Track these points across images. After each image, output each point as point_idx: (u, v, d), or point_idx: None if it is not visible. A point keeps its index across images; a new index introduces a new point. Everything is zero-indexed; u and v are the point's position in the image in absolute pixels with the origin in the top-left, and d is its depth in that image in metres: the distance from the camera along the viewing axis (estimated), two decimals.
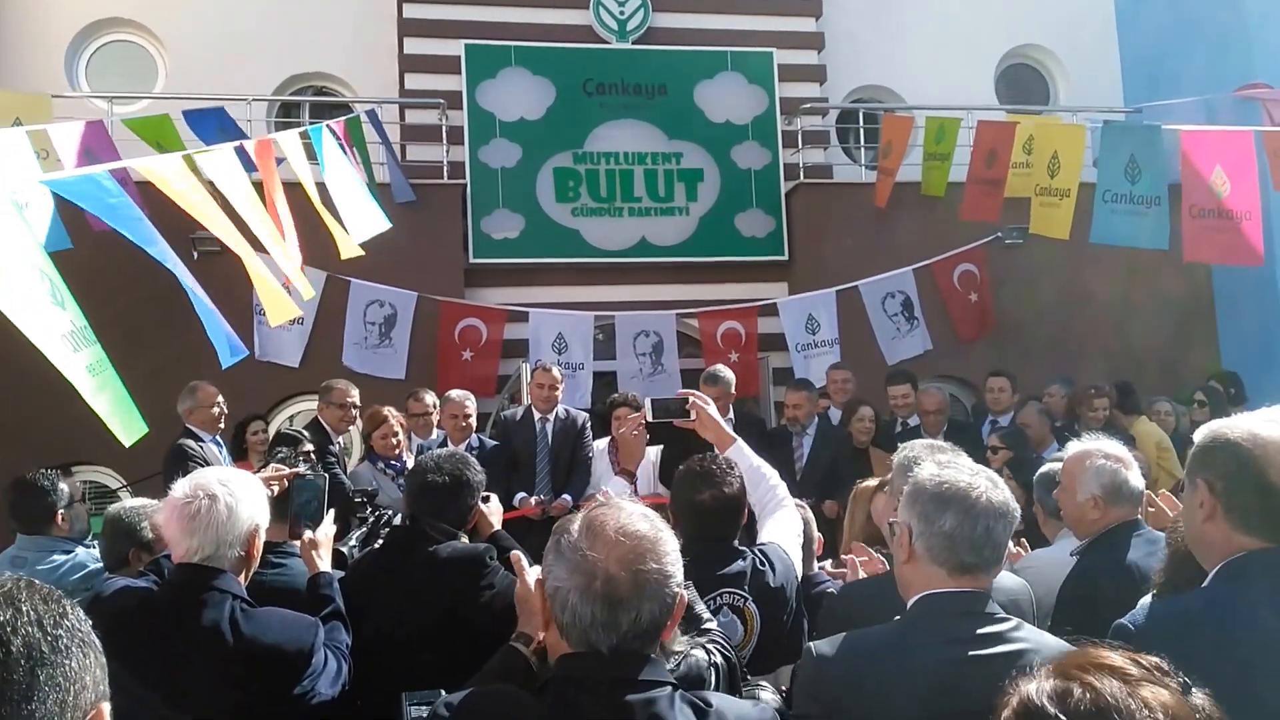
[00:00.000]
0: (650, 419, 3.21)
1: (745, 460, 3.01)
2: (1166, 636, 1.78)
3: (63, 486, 3.80)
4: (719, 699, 1.61)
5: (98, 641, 1.08)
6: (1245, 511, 1.85)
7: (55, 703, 0.99)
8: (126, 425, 3.32)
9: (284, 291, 4.47)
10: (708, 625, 2.20)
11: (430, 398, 6.52)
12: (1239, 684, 1.58)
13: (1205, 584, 1.93)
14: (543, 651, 1.90)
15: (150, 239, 3.51)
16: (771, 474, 3.08)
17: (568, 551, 1.53)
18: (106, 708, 1.06)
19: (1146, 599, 2.11)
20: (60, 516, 3.73)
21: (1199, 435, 1.99)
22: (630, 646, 1.50)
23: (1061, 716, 1.15)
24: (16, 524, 3.75)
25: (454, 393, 6.36)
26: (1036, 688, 1.21)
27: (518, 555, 1.76)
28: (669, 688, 1.52)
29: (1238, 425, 1.91)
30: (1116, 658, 1.22)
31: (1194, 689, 1.20)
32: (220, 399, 6.00)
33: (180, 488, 2.46)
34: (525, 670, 1.91)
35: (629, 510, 1.58)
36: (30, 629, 1.01)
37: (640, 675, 1.50)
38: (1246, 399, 7.22)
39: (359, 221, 6.05)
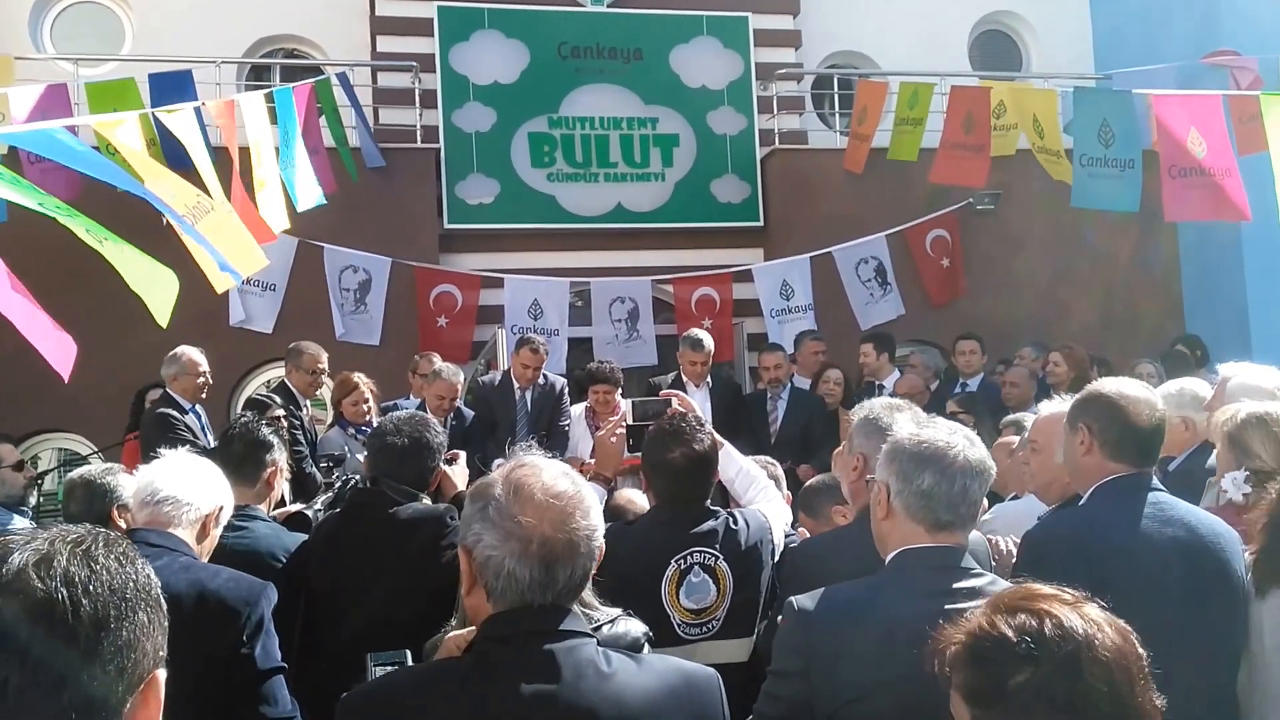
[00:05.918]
0: (631, 421, 3.13)
1: (734, 464, 3.00)
2: (1071, 536, 2.34)
3: None
4: (655, 657, 1.65)
5: (164, 602, 1.04)
6: (1115, 446, 2.40)
7: (115, 669, 0.94)
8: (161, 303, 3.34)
9: (216, 266, 4.44)
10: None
11: (439, 360, 6.46)
12: (1119, 565, 2.21)
13: (1084, 500, 2.44)
14: None
15: (127, 180, 3.50)
16: (760, 474, 3.06)
17: (497, 518, 1.53)
18: (161, 675, 1.01)
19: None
20: None
21: (1082, 392, 2.53)
22: (561, 601, 1.54)
23: (1009, 634, 1.25)
24: None
25: (444, 370, 6.14)
26: (986, 618, 1.28)
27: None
28: (591, 639, 1.55)
29: (1108, 384, 2.51)
30: (1050, 590, 1.33)
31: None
32: (205, 368, 5.78)
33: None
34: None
35: (549, 470, 1.60)
36: (101, 589, 0.95)
37: (561, 626, 1.53)
38: (1209, 359, 7.30)
39: (305, 191, 5.98)
